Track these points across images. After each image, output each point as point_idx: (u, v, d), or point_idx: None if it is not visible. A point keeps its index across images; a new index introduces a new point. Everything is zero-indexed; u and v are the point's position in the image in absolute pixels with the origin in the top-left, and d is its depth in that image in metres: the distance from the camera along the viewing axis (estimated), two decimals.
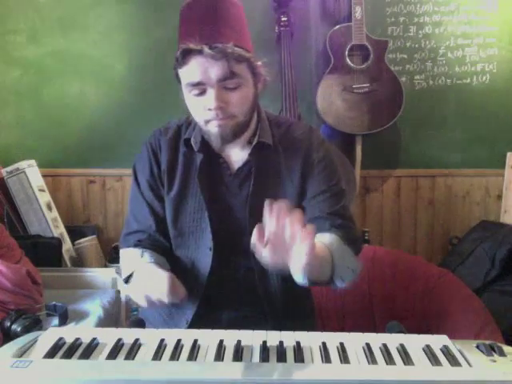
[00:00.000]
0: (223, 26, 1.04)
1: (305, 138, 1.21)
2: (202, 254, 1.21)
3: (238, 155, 1.20)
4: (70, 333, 0.94)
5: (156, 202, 1.24)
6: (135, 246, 1.22)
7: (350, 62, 2.61)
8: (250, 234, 0.97)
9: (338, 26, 2.65)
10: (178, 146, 1.22)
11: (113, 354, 0.87)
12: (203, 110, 1.09)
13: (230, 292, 1.24)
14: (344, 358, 0.86)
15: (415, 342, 0.92)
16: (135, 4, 2.77)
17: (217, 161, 1.20)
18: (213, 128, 1.10)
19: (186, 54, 1.04)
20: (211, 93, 1.06)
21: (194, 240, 1.21)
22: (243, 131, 1.15)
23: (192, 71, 1.05)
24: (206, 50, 1.01)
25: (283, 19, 2.57)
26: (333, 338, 0.92)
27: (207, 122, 1.10)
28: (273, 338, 0.93)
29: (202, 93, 1.07)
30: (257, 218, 1.11)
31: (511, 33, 2.77)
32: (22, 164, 2.63)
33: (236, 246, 1.20)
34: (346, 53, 2.61)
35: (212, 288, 1.22)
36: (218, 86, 1.05)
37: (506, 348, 0.90)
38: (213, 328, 0.98)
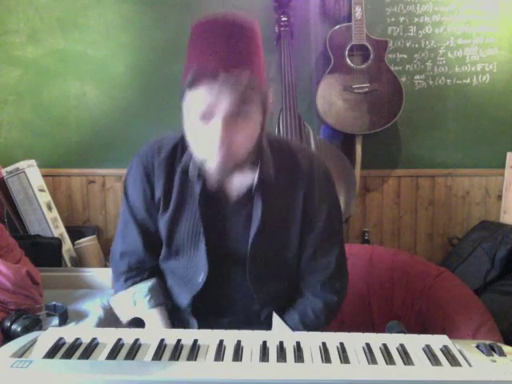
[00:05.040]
0: (240, 52, 0.98)
1: (308, 170, 1.18)
2: (195, 272, 1.20)
3: (237, 183, 1.15)
4: (70, 333, 0.94)
5: (147, 223, 1.21)
6: (126, 286, 1.24)
7: (350, 62, 2.61)
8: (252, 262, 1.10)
9: (338, 26, 2.65)
10: (173, 168, 1.16)
11: (113, 354, 0.87)
12: (205, 141, 1.01)
13: (224, 307, 1.23)
14: (344, 358, 0.86)
15: (415, 342, 0.92)
16: (135, 4, 2.77)
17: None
18: (212, 163, 1.03)
19: (198, 78, 0.97)
20: (218, 121, 0.97)
21: (189, 259, 1.20)
22: (243, 165, 1.09)
23: (201, 96, 0.97)
24: (222, 75, 0.94)
25: (283, 19, 2.57)
26: (333, 338, 0.93)
27: (207, 155, 1.03)
28: (273, 338, 0.93)
29: (207, 121, 0.99)
30: (259, 250, 1.15)
31: (511, 33, 2.77)
32: (22, 164, 2.63)
33: (233, 269, 1.20)
34: (346, 53, 2.61)
35: (204, 302, 1.22)
36: (226, 115, 0.97)
37: (506, 348, 0.90)
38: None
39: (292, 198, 1.17)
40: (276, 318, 1.20)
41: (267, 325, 1.20)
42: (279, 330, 1.18)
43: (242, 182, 1.14)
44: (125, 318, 1.25)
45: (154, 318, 1.21)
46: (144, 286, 1.23)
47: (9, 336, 1.68)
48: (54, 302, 1.93)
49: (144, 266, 1.25)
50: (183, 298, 1.23)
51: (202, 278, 1.17)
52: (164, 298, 1.25)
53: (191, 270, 1.20)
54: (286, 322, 1.19)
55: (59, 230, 2.70)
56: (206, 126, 0.99)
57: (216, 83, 0.95)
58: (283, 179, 1.16)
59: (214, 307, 1.23)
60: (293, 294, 1.25)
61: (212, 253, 1.16)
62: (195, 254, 1.18)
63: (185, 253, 1.20)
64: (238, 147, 1.01)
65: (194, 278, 1.20)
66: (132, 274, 1.24)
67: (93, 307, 2.05)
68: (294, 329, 1.18)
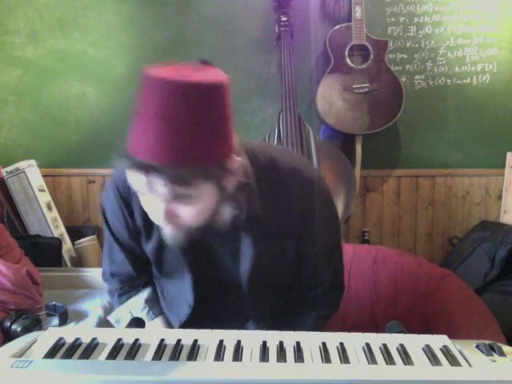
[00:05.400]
0: (187, 138, 0.82)
1: (302, 193, 1.08)
2: (182, 302, 1.18)
3: (221, 218, 1.03)
4: (70, 333, 0.94)
5: (131, 245, 1.17)
6: (121, 302, 1.22)
7: (350, 62, 2.61)
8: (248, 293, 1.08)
9: (338, 26, 2.65)
10: None
11: (113, 354, 0.87)
12: (154, 211, 0.93)
13: (217, 321, 1.20)
14: (344, 358, 0.86)
15: (415, 342, 0.92)
16: (135, 4, 2.77)
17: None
18: (167, 231, 0.96)
19: (131, 161, 0.85)
20: (160, 205, 0.89)
21: (178, 284, 1.17)
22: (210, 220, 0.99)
23: (138, 180, 0.87)
24: (149, 169, 0.82)
25: (283, 19, 2.57)
26: (333, 338, 0.92)
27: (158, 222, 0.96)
28: (273, 338, 0.92)
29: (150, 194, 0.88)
30: (255, 282, 1.11)
31: (511, 33, 2.77)
32: (22, 164, 2.63)
33: (224, 294, 1.17)
34: (346, 53, 2.60)
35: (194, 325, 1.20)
36: (167, 202, 0.88)
37: (506, 348, 0.90)
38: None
39: (286, 225, 1.09)
40: None
41: None
42: None
43: (225, 217, 1.01)
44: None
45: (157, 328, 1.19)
46: (139, 299, 1.20)
47: (9, 336, 1.68)
48: (54, 302, 1.93)
49: (136, 281, 1.23)
50: (173, 322, 1.21)
51: (188, 308, 1.16)
52: (162, 308, 1.23)
53: (178, 298, 1.18)
54: None
55: (59, 230, 2.70)
56: (152, 199, 0.90)
57: (149, 175, 0.83)
58: (274, 208, 1.07)
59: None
60: (287, 308, 1.23)
61: (199, 283, 1.13)
62: (182, 283, 1.15)
63: (174, 278, 1.17)
64: (188, 222, 0.93)
65: (180, 307, 1.18)
66: (125, 290, 1.23)
67: (93, 307, 2.05)
68: None
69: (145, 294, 1.22)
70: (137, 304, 1.20)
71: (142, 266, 1.21)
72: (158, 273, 1.20)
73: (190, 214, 0.91)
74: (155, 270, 1.20)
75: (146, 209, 0.96)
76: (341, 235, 1.24)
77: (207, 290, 1.15)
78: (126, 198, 1.09)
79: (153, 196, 0.88)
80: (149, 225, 1.07)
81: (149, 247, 1.13)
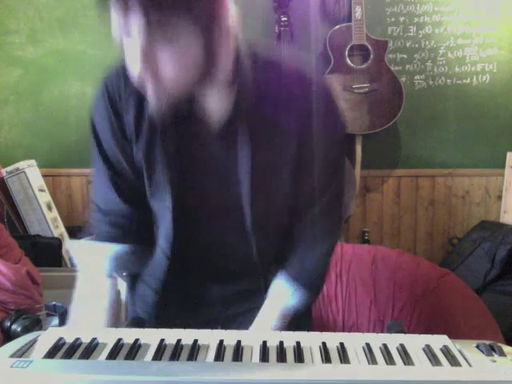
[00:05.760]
0: None
1: (304, 93, 1.00)
2: (164, 234, 1.05)
3: (218, 104, 0.94)
4: (70, 333, 0.94)
5: (121, 166, 1.02)
6: (98, 238, 1.07)
7: (349, 62, 2.61)
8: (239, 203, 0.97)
9: (337, 26, 2.65)
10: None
11: (113, 354, 0.87)
12: (130, 58, 0.84)
13: (207, 260, 1.08)
14: (344, 357, 0.86)
15: (415, 342, 0.92)
16: None
17: (191, 111, 0.94)
18: (149, 91, 0.85)
19: None
20: (136, 45, 0.80)
21: (163, 202, 1.02)
22: (212, 87, 0.90)
23: (114, 14, 0.82)
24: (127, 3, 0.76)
25: (283, 19, 2.57)
26: (333, 338, 0.92)
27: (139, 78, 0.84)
28: (273, 337, 0.92)
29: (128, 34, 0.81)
30: (255, 195, 0.99)
31: (511, 33, 2.77)
32: (22, 164, 2.64)
33: (214, 221, 1.04)
34: (346, 53, 2.61)
35: (184, 253, 1.06)
36: (143, 47, 0.80)
37: (506, 348, 0.90)
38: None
39: (284, 128, 0.98)
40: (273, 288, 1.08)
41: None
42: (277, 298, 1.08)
43: (217, 107, 0.92)
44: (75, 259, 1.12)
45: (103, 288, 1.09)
46: (111, 248, 1.06)
47: (9, 336, 1.68)
48: (54, 302, 1.93)
49: (123, 220, 1.05)
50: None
51: (169, 224, 1.02)
52: (125, 276, 1.11)
53: (163, 219, 1.04)
54: (287, 274, 1.06)
55: (59, 230, 2.70)
56: (128, 39, 0.82)
57: (124, 5, 0.78)
58: (272, 105, 0.96)
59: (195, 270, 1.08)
60: (285, 245, 1.10)
61: (182, 202, 0.99)
62: (165, 202, 1.00)
63: (161, 198, 1.01)
64: (170, 81, 0.83)
65: (166, 237, 1.05)
66: (107, 221, 1.06)
67: None
68: (295, 279, 1.05)
69: (123, 247, 1.06)
70: (105, 252, 1.06)
71: (128, 194, 1.04)
72: (148, 194, 1.03)
73: (172, 71, 0.82)
74: (146, 180, 1.02)
75: (128, 61, 0.86)
76: (345, 152, 1.14)
77: (190, 216, 1.02)
78: (115, 104, 1.00)
79: (131, 39, 0.81)
80: (139, 126, 0.97)
81: (139, 155, 0.99)
